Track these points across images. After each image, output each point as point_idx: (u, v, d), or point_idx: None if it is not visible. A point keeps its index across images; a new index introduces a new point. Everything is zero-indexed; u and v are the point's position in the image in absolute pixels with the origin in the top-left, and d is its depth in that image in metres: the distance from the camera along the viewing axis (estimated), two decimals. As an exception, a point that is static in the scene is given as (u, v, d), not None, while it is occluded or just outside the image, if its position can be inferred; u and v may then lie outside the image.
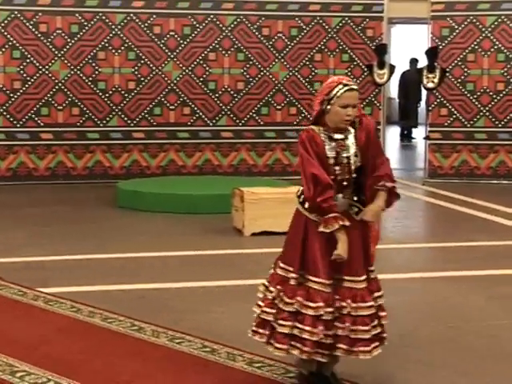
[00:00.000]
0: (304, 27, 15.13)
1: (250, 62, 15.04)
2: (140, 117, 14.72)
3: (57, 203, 12.91)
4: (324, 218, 5.13)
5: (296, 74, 15.20)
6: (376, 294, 5.44)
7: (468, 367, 6.19)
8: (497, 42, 14.82)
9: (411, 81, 21.18)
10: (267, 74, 15.10)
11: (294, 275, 5.31)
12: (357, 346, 5.26)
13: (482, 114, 14.92)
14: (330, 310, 5.21)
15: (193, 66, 14.86)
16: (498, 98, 14.86)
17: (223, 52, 14.94)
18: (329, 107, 5.21)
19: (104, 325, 6.98)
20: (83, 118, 14.58)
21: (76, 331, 6.91)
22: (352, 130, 5.30)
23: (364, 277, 5.34)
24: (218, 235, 10.56)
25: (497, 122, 14.89)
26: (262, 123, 15.14)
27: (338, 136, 5.26)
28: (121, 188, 12.64)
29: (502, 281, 8.63)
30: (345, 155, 5.26)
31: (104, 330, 6.90)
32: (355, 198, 5.34)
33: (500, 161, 14.95)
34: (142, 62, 14.68)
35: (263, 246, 9.98)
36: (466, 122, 14.97)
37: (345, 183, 5.28)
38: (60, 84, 14.43)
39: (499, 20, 14.82)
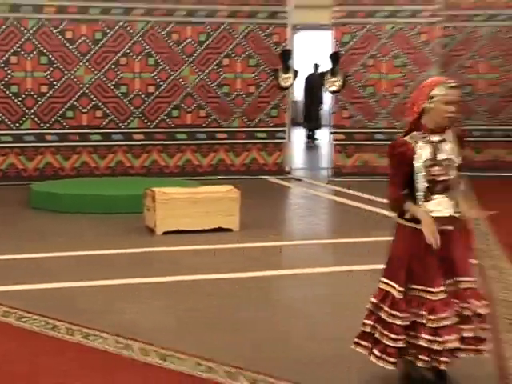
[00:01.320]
0: (212, 33, 15.16)
1: (160, 67, 14.99)
2: (53, 120, 14.58)
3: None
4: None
5: (205, 78, 15.21)
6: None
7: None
8: (394, 48, 14.98)
9: (315, 84, 21.33)
10: (177, 77, 15.08)
11: (401, 289, 5.31)
12: (483, 344, 5.36)
13: (381, 116, 15.10)
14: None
15: (104, 70, 14.76)
16: (396, 101, 15.02)
17: (134, 57, 14.88)
18: (432, 105, 5.20)
19: (19, 324, 6.93)
20: (-4, 122, 14.40)
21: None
22: (450, 133, 5.33)
23: (474, 278, 5.43)
24: (130, 234, 10.59)
25: (395, 124, 15.03)
26: (172, 125, 15.12)
27: (435, 138, 5.28)
28: (34, 190, 12.52)
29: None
30: (442, 156, 5.27)
31: (19, 329, 6.84)
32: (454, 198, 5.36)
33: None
34: (54, 66, 14.55)
35: (174, 244, 10.03)
36: (366, 123, 15.11)
37: (446, 183, 5.29)
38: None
39: (396, 27, 15.00)
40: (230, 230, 10.72)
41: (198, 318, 7.24)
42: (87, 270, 8.82)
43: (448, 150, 5.29)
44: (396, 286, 5.31)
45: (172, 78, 15.13)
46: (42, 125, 14.63)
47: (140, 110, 15.02)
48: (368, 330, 5.44)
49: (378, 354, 5.34)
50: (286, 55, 14.91)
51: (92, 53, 14.80)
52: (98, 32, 14.81)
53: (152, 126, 15.08)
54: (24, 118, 14.55)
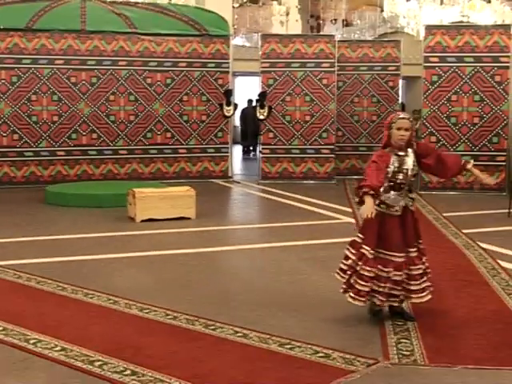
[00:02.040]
0: (175, 78, 15.13)
1: (138, 102, 14.94)
2: (62, 140, 14.49)
3: None
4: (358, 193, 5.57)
5: (170, 109, 15.18)
6: (424, 259, 5.91)
7: (286, 305, 6.37)
8: (304, 89, 15.10)
9: (249, 114, 21.39)
10: (150, 110, 15.03)
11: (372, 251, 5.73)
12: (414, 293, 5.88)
13: (295, 136, 15.18)
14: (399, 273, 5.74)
15: (99, 104, 14.68)
16: (306, 126, 15.14)
17: (119, 95, 14.80)
18: (390, 131, 5.66)
19: (37, 286, 6.94)
20: None
21: (20, 292, 6.83)
22: (410, 150, 5.72)
23: (415, 248, 5.85)
24: (117, 222, 10.57)
25: (306, 142, 15.15)
26: (147, 143, 15.08)
27: (400, 153, 5.70)
28: (49, 190, 12.50)
29: (310, 248, 8.85)
30: (405, 167, 5.68)
31: (38, 290, 6.85)
32: (410, 195, 5.79)
33: (308, 168, 15.23)
34: (63, 102, 14.43)
35: (149, 229, 10.04)
36: (285, 142, 15.18)
37: (402, 185, 5.70)
38: None
39: (306, 74, 15.12)
40: (189, 218, 10.76)
41: (168, 281, 7.29)
42: (87, 248, 8.81)
43: (408, 162, 5.71)
44: (369, 249, 5.74)
45: (147, 109, 15.07)
46: (53, 144, 14.49)
47: (124, 132, 14.95)
48: (346, 277, 5.89)
49: (352, 295, 5.83)
50: (228, 93, 14.94)
51: (90, 92, 14.68)
52: (93, 77, 14.71)
53: (133, 144, 15.02)
54: (41, 139, 14.40)
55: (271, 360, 5.05)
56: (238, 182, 15.35)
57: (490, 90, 13.81)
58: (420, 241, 5.94)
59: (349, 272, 5.87)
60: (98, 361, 4.96)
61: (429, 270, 6.00)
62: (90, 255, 8.36)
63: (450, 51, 13.95)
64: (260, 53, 15.36)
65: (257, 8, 22.84)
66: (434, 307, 6.33)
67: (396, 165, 5.68)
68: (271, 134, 15.26)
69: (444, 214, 11.27)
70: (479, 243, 9.04)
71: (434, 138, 13.90)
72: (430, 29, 14.26)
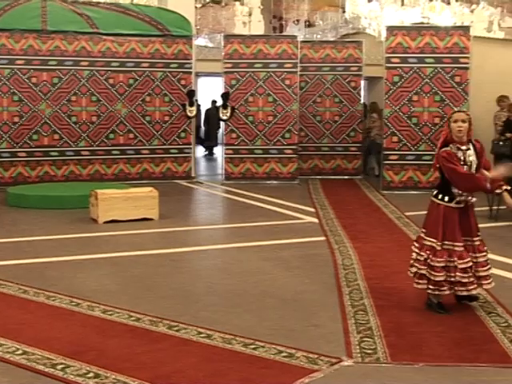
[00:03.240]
0: (138, 78, 15.05)
1: (100, 102, 14.82)
2: (23, 141, 14.30)
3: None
4: (492, 184, 6.05)
5: (133, 110, 15.09)
6: (485, 248, 6.34)
7: (250, 306, 6.38)
8: (267, 89, 15.12)
9: (212, 114, 21.35)
10: (113, 110, 14.92)
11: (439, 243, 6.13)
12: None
13: (258, 137, 15.20)
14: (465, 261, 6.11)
15: (60, 105, 14.52)
16: (269, 126, 15.15)
17: (81, 95, 14.67)
18: (450, 125, 6.06)
19: None
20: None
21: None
22: (471, 145, 6.12)
23: (478, 237, 6.30)
24: (80, 223, 10.49)
25: (268, 142, 15.18)
26: (110, 144, 14.96)
27: (463, 147, 6.07)
28: (10, 192, 12.36)
29: (273, 248, 8.87)
30: (470, 158, 6.06)
31: None
32: None
33: (271, 168, 15.26)
34: (23, 102, 14.27)
35: (112, 230, 9.98)
36: (248, 142, 15.20)
37: None
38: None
39: (268, 74, 15.14)
40: (152, 219, 10.71)
41: (131, 283, 7.25)
42: (49, 250, 8.74)
43: (471, 154, 6.08)
44: (436, 241, 6.15)
45: (109, 110, 14.96)
46: (14, 145, 14.31)
47: (86, 133, 14.82)
48: (423, 272, 6.21)
49: (432, 287, 6.18)
50: (191, 94, 14.91)
51: (51, 93, 14.52)
52: (55, 78, 14.56)
53: (95, 145, 14.90)
54: (1, 140, 14.22)
55: (235, 360, 5.05)
56: (201, 183, 15.32)
57: (451, 91, 13.97)
58: (479, 232, 6.32)
59: (417, 265, 6.26)
60: (61, 364, 4.92)
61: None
62: (53, 257, 8.27)
63: (411, 52, 14.08)
64: (223, 53, 15.36)
65: (219, 8, 22.81)
66: (397, 305, 6.39)
67: (461, 158, 6.04)
68: (234, 135, 15.26)
69: (406, 213, 11.37)
70: (440, 242, 9.13)
71: (395, 138, 14.02)
72: (392, 30, 14.38)
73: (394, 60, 14.13)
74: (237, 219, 11.11)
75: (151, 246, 9.03)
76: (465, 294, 6.22)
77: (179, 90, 15.31)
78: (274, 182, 15.20)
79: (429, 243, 6.16)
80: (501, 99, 14.41)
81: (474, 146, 6.14)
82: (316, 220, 10.77)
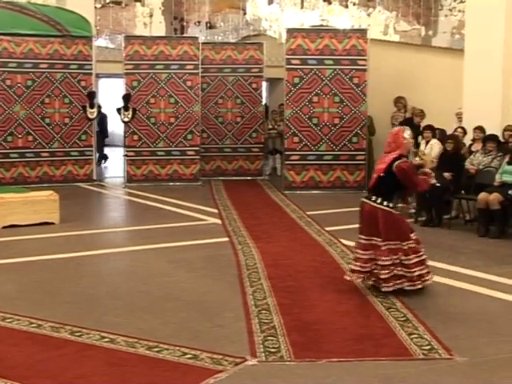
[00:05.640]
0: (36, 79, 14.70)
1: (-2, 104, 14.44)
2: None
3: None
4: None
5: (32, 112, 14.73)
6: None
7: (153, 308, 6.35)
8: (168, 91, 15.05)
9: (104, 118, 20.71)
10: (11, 112, 14.52)
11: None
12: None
13: (160, 138, 15.12)
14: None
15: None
16: (171, 128, 15.09)
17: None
18: (405, 141, 6.92)
19: None
20: None
21: None
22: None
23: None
24: (-23, 229, 10.11)
25: (171, 144, 15.08)
26: (8, 147, 14.57)
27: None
28: None
29: (178, 250, 8.85)
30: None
31: None
32: None
33: (174, 170, 15.18)
34: None
35: (11, 235, 9.73)
36: (150, 144, 15.07)
37: None
38: None
39: (170, 76, 15.09)
40: (53, 223, 10.49)
41: (31, 289, 7.10)
42: None
43: None
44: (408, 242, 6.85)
45: (7, 112, 14.53)
46: None
47: (-18, 136, 14.38)
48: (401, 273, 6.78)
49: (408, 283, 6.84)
50: (92, 95, 14.68)
51: None
52: None
53: (-5, 149, 14.47)
54: None
55: (139, 364, 5.01)
56: (103, 186, 15.10)
57: (349, 92, 14.25)
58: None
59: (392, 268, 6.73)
60: (-42, 374, 4.76)
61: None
62: None
63: (311, 54, 14.29)
64: (123, 54, 15.18)
65: (120, 9, 22.53)
66: (299, 304, 6.48)
67: None
68: (136, 137, 15.10)
69: (307, 213, 11.53)
70: (341, 240, 9.32)
71: (296, 139, 14.19)
72: (292, 32, 14.56)
73: (294, 62, 14.31)
74: (139, 221, 11.01)
75: (52, 250, 8.83)
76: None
77: (79, 92, 15.03)
78: (177, 183, 15.12)
79: (406, 247, 6.77)
80: (397, 100, 14.80)
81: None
82: (219, 221, 10.79)
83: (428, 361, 5.16)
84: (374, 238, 6.77)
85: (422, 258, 6.87)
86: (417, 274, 6.75)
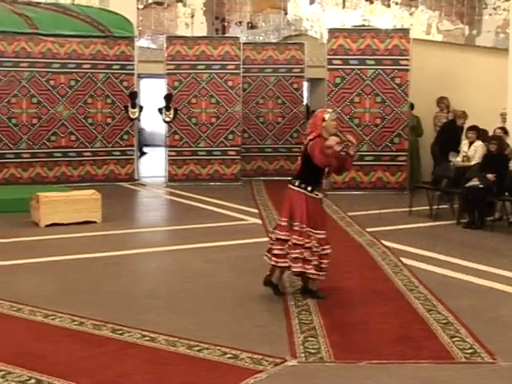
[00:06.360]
0: (79, 80, 14.86)
1: (41, 104, 14.61)
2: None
3: None
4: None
5: (75, 112, 14.89)
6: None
7: (193, 307, 6.38)
8: (210, 91, 15.12)
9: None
10: (54, 112, 14.70)
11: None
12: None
13: (201, 138, 15.19)
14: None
15: (0, 106, 14.30)
16: (212, 128, 15.15)
17: (21, 97, 14.44)
18: (325, 123, 6.56)
19: None
20: None
21: None
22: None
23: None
24: (21, 227, 10.30)
25: (212, 144, 15.17)
26: (51, 147, 14.74)
27: None
28: None
29: (217, 250, 8.87)
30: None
31: None
32: None
33: (215, 169, 15.25)
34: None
35: (54, 233, 9.85)
36: (192, 144, 15.16)
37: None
38: None
39: (211, 76, 15.14)
40: (94, 222, 10.60)
41: (73, 287, 7.18)
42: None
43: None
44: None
45: (50, 112, 14.73)
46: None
47: (27, 136, 14.58)
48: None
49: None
50: (134, 95, 14.80)
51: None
52: (-7, 79, 14.31)
53: (36, 147, 14.66)
54: None
55: (179, 363, 5.04)
56: (145, 185, 15.22)
57: (391, 92, 14.16)
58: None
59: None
60: (1, 371, 4.83)
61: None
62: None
63: (353, 54, 14.23)
64: (165, 54, 15.28)
65: (162, 10, 22.70)
66: (340, 305, 6.46)
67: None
68: (177, 137, 15.20)
69: (348, 213, 11.48)
70: (382, 241, 9.27)
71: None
72: (333, 32, 14.50)
73: (335, 62, 14.26)
74: (180, 221, 11.06)
75: (94, 249, 8.93)
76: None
77: (121, 92, 15.17)
78: (218, 183, 15.17)
79: (317, 235, 6.62)
80: (440, 100, 14.67)
81: None
82: (259, 221, 10.79)
83: (470, 364, 5.09)
84: (289, 220, 6.68)
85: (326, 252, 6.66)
86: (323, 265, 6.62)
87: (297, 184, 6.61)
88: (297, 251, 6.50)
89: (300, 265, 6.51)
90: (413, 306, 6.47)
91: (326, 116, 6.54)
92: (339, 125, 6.62)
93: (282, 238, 6.60)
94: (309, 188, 6.56)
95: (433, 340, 5.57)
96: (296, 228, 6.53)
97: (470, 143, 11.40)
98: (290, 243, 6.54)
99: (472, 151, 11.23)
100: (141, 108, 15.11)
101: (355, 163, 13.97)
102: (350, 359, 5.15)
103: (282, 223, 6.67)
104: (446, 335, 5.65)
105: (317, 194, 6.62)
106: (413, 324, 5.98)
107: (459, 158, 11.71)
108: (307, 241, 6.50)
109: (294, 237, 6.51)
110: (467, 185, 10.65)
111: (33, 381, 4.67)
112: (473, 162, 11.27)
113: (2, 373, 4.79)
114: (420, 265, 8.04)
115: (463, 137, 12.29)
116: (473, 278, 7.48)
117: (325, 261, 6.61)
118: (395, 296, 6.80)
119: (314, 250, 6.52)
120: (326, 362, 5.12)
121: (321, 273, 6.61)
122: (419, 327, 5.89)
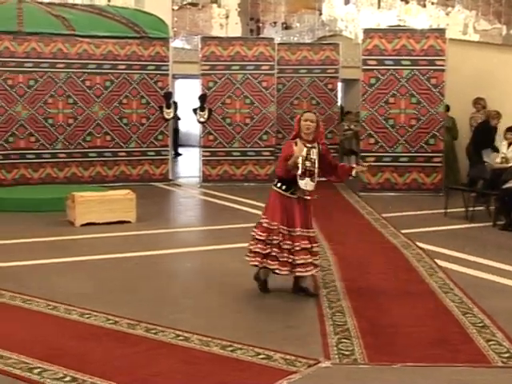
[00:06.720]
0: (115, 80, 14.98)
1: (77, 105, 14.75)
2: (-2, 144, 14.16)
3: None
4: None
5: (110, 112, 15.02)
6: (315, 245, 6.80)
7: (227, 308, 6.38)
8: (244, 91, 15.14)
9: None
10: (90, 112, 14.83)
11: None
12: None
13: (236, 139, 15.22)
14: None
15: (37, 107, 14.42)
16: (247, 128, 15.16)
17: (58, 97, 14.58)
18: (300, 123, 6.62)
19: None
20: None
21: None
22: (317, 145, 6.64)
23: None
24: (57, 226, 10.40)
25: (246, 144, 15.19)
26: (86, 147, 14.88)
27: (309, 145, 6.60)
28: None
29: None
30: (314, 156, 6.57)
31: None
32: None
33: (249, 170, 15.26)
34: (-1, 105, 14.16)
35: (90, 233, 9.94)
36: (226, 144, 15.19)
37: (311, 172, 6.57)
38: None
39: (245, 76, 15.16)
40: (129, 221, 10.67)
41: (108, 286, 7.23)
42: (25, 253, 8.66)
43: (315, 153, 6.59)
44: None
45: (86, 112, 14.87)
46: (-11, 147, 14.20)
47: (63, 136, 14.73)
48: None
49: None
50: (168, 96, 14.87)
51: (27, 95, 14.42)
52: (31, 80, 14.46)
53: (72, 147, 14.81)
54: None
55: (213, 363, 5.05)
56: (179, 185, 15.28)
57: (427, 93, 14.05)
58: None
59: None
60: (37, 368, 4.88)
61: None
62: (29, 260, 8.20)
63: (388, 54, 14.15)
64: (200, 55, 15.33)
65: (196, 10, 22.79)
66: (374, 306, 6.42)
67: (305, 154, 6.52)
68: (211, 137, 15.24)
69: (383, 215, 11.42)
70: (417, 243, 9.20)
71: (372, 140, 14.07)
72: (368, 32, 14.44)
73: (370, 62, 14.19)
74: (214, 221, 11.09)
75: (128, 248, 8.99)
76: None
77: (156, 92, 15.26)
78: (252, 184, 15.19)
79: (285, 231, 6.67)
80: (477, 101, 14.51)
81: (319, 146, 6.67)
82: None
83: (507, 369, 5.03)
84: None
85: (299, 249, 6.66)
86: (290, 261, 6.64)
87: (274, 183, 6.82)
88: (259, 246, 6.70)
89: (258, 259, 6.72)
90: (448, 308, 6.41)
91: (303, 117, 6.66)
92: (311, 125, 6.60)
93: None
94: (283, 187, 6.65)
95: (469, 344, 5.51)
96: (264, 224, 6.70)
97: (509, 144, 11.26)
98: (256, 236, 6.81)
99: (511, 152, 11.09)
100: (175, 104, 15.14)
101: (390, 164, 14.02)
102: (384, 361, 5.12)
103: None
104: (482, 339, 5.59)
105: (293, 193, 6.66)
106: (448, 327, 5.92)
107: (498, 160, 11.58)
108: (275, 237, 6.61)
109: (258, 232, 6.72)
110: (504, 186, 10.54)
111: (68, 378, 4.72)
112: (511, 164, 11.15)
113: (38, 370, 4.85)
114: (455, 267, 7.97)
115: (497, 137, 12.15)
116: (509, 280, 7.39)
117: (300, 257, 6.64)
118: (430, 298, 6.75)
119: (285, 247, 6.63)
120: (360, 363, 5.10)
121: (297, 269, 6.68)
122: (455, 330, 5.83)
